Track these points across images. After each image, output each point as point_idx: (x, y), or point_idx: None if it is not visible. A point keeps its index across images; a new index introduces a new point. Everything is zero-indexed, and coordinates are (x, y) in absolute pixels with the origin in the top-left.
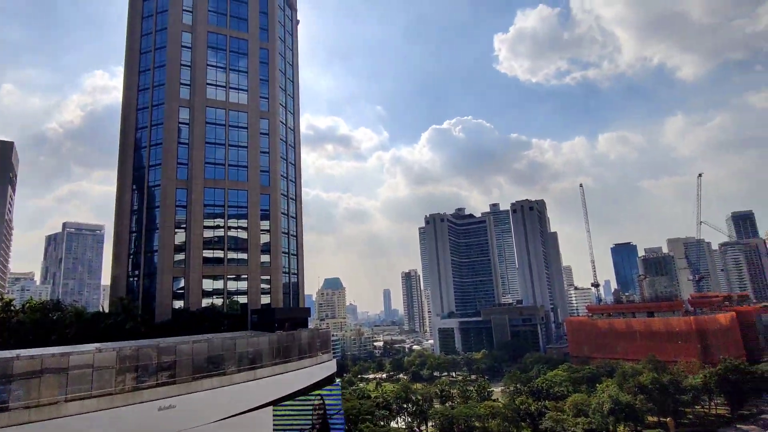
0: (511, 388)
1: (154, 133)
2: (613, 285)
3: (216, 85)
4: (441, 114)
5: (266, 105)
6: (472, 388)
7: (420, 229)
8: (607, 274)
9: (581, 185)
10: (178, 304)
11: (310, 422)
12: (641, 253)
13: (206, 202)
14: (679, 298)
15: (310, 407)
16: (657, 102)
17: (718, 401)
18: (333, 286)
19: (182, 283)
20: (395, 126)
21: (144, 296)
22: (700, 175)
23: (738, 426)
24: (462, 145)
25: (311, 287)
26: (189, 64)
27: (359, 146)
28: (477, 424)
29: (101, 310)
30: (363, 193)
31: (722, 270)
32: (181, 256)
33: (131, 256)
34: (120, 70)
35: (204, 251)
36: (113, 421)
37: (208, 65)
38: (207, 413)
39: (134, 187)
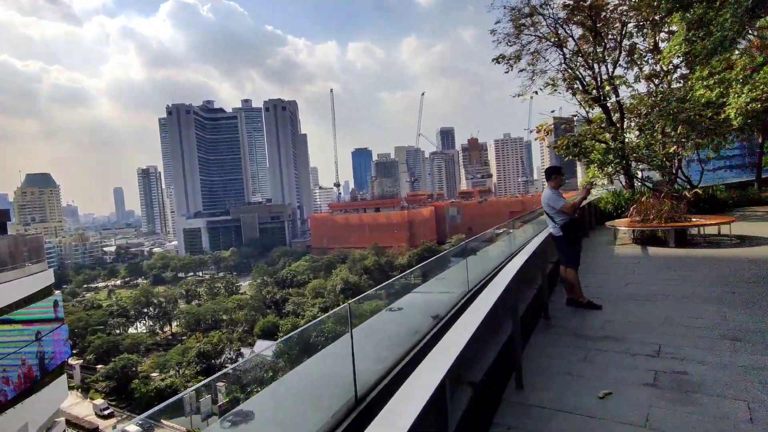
0: (259, 281)
1: None
2: (352, 185)
3: None
4: None
5: None
6: (220, 284)
7: (161, 120)
8: (347, 175)
9: (331, 90)
10: None
11: (21, 341)
12: (375, 157)
13: None
14: (398, 197)
15: (19, 325)
16: (398, 21)
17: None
18: (41, 183)
19: None
20: None
21: None
22: (423, 93)
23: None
24: (212, 28)
25: (7, 185)
26: None
27: (71, 3)
28: (224, 317)
29: None
30: (80, 68)
31: (429, 174)
32: None
33: None
34: None
35: None
36: None
37: None
38: None
39: None
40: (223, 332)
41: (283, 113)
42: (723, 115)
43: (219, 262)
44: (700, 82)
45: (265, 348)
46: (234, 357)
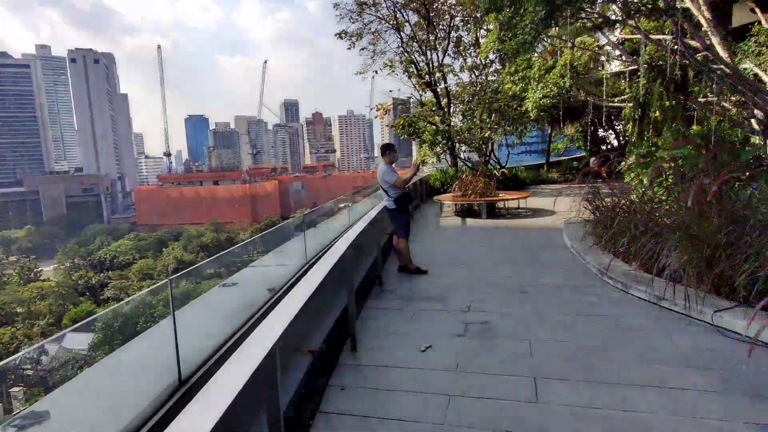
0: (68, 265)
1: None
2: (185, 155)
3: None
4: None
5: None
6: (12, 271)
7: None
8: (180, 144)
9: (159, 46)
10: None
11: None
12: (212, 126)
13: None
14: (239, 169)
15: None
16: None
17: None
18: None
19: None
20: None
21: None
22: (265, 61)
23: None
24: None
25: None
26: None
27: None
28: (20, 309)
29: None
30: None
31: (273, 146)
32: None
33: None
34: None
35: None
36: None
37: None
38: None
39: None
40: (18, 328)
41: (95, 67)
42: (524, 107)
43: (9, 244)
44: (508, 77)
45: (58, 336)
46: (36, 356)
